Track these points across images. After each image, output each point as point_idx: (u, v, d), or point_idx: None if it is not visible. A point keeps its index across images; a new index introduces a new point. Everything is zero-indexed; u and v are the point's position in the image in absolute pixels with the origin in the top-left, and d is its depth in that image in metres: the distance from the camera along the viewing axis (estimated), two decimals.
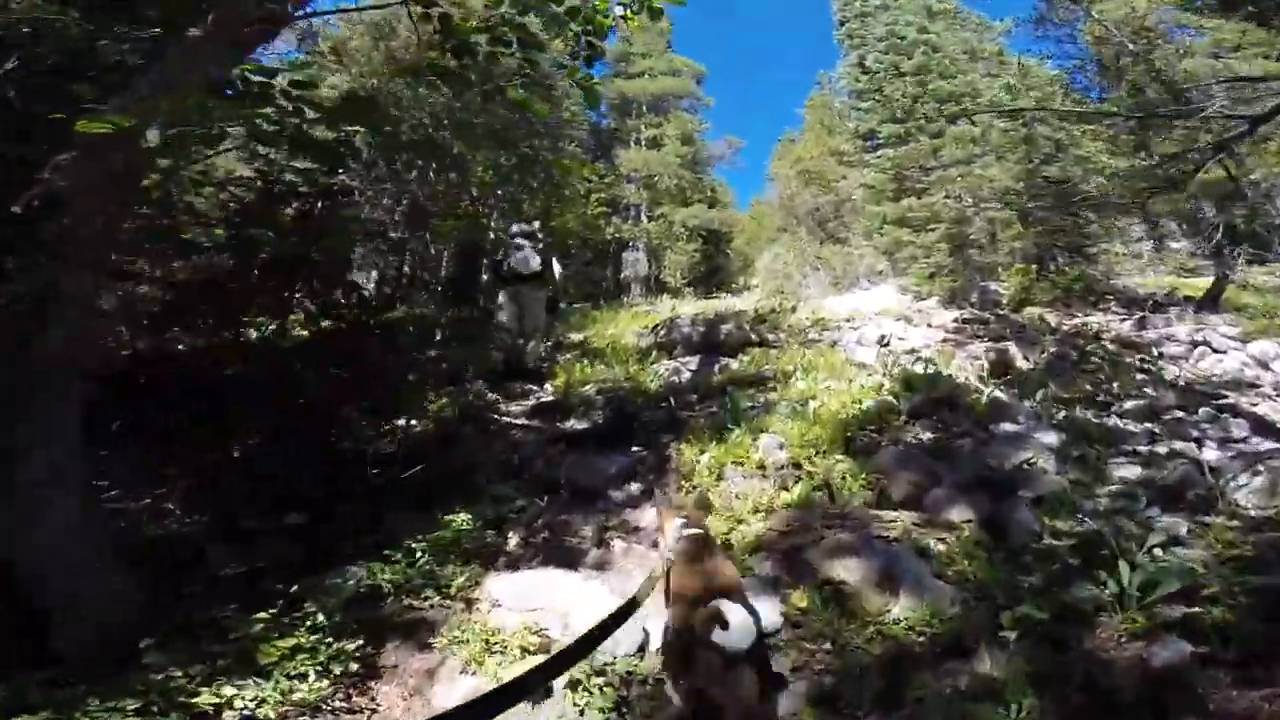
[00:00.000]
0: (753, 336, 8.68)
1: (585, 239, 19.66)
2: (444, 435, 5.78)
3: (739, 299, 15.96)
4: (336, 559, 3.72)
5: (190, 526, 4.04)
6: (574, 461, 5.28)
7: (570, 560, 3.93)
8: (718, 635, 1.86)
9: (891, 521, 3.90)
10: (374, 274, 15.25)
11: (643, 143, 20.44)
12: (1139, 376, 7.35)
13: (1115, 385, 6.84)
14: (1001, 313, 13.64)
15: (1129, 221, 19.62)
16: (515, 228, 8.54)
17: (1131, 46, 16.79)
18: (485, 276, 16.57)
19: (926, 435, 5.14)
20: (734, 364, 7.86)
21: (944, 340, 10.39)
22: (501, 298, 8.11)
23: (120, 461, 4.01)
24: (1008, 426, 5.27)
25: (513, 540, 4.17)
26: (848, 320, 11.87)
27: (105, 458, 3.79)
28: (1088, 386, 6.96)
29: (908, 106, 18.99)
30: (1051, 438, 5.03)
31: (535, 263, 7.77)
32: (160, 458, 4.29)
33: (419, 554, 3.77)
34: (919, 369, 6.93)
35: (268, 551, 3.74)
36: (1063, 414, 5.88)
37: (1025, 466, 4.57)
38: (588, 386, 7.41)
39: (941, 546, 3.68)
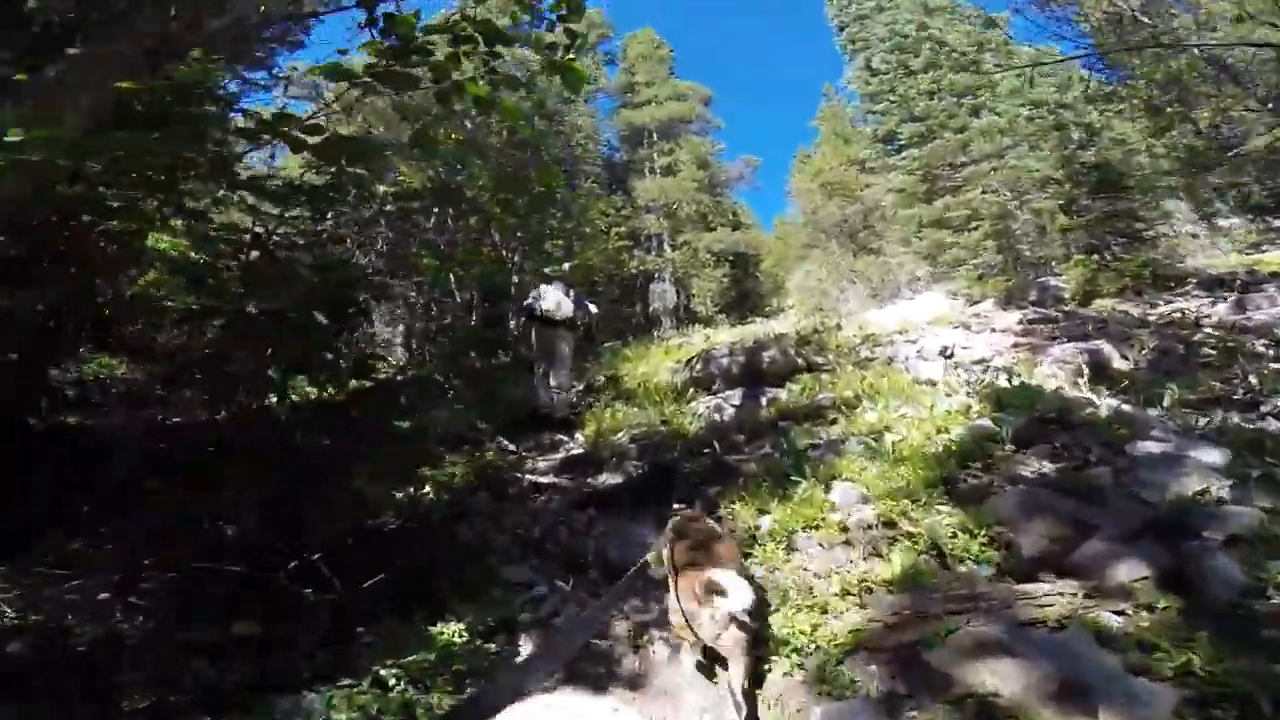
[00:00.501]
0: (799, 361, 7.65)
1: (610, 275, 19.01)
2: (455, 503, 4.89)
3: (775, 321, 14.93)
4: (286, 685, 2.79)
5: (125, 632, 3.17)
6: (605, 530, 4.33)
7: (598, 677, 2.93)
8: (718, 601, 2.10)
9: (1043, 596, 2.83)
10: (400, 328, 14.76)
11: (657, 171, 19.85)
12: (1275, 366, 6.07)
13: (1253, 379, 5.60)
14: (1068, 309, 12.34)
15: (1176, 201, 18.18)
16: (547, 270, 8.34)
17: (1146, 20, 15.58)
18: (512, 322, 15.99)
19: (1048, 467, 4.02)
20: (782, 394, 6.84)
21: (1015, 345, 9.17)
22: (533, 342, 7.67)
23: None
24: (1148, 446, 4.12)
25: (524, 649, 3.20)
26: (899, 333, 10.74)
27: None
28: (1217, 384, 5.73)
29: (924, 104, 18.03)
30: (1212, 455, 3.88)
31: (568, 307, 7.29)
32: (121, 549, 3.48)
33: (394, 681, 2.82)
34: (1002, 381, 5.82)
35: (195, 675, 2.82)
36: (1204, 421, 4.70)
37: (1197, 498, 3.44)
38: (620, 434, 6.48)
39: (1127, 626, 2.58)
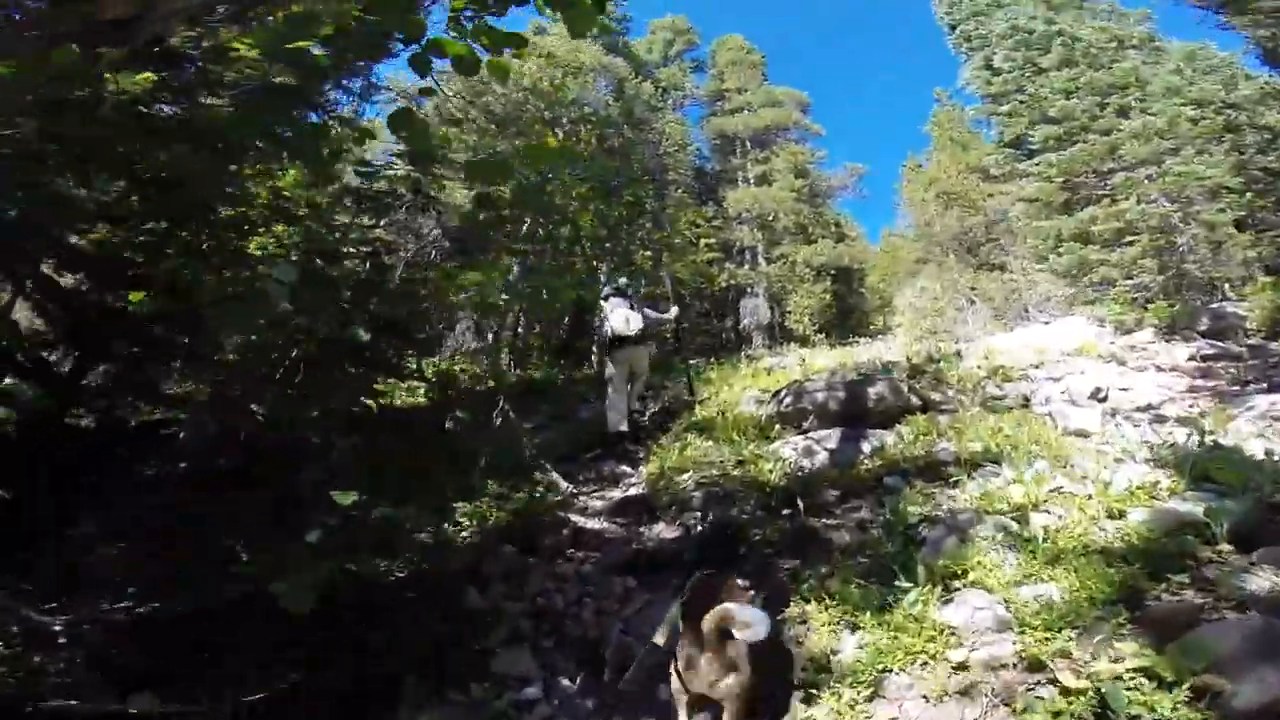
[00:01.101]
0: (912, 399, 6.37)
1: (699, 289, 18.07)
2: (480, 553, 4.16)
3: (881, 343, 13.39)
4: None
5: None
6: (641, 607, 3.41)
7: None
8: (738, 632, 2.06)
9: None
10: (490, 338, 14.58)
11: (750, 181, 18.70)
12: None
13: None
14: (1253, 342, 10.10)
15: None
16: (606, 289, 8.31)
17: None
18: (597, 335, 15.42)
19: None
20: (889, 439, 5.62)
21: (1191, 389, 7.38)
22: (608, 366, 7.38)
23: None
24: None
25: None
26: (1035, 366, 9.09)
27: None
28: None
29: (1060, 104, 15.77)
30: None
31: (636, 322, 7.16)
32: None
33: None
34: (1192, 441, 4.37)
35: None
36: None
37: None
38: (686, 475, 5.53)
39: None
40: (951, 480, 4.36)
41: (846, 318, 19.69)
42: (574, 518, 4.92)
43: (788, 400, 6.52)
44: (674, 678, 2.35)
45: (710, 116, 21.48)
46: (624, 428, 7.02)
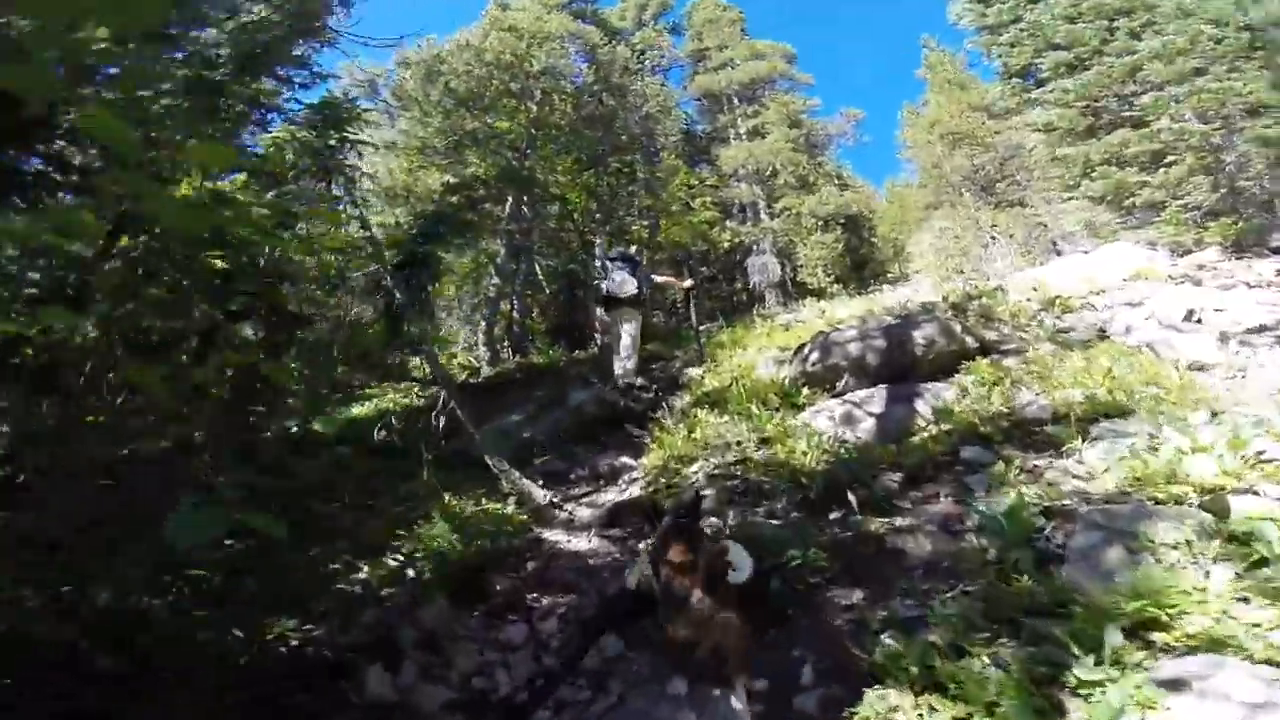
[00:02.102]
0: (967, 340, 5.06)
1: (703, 252, 16.70)
2: (400, 612, 2.93)
3: (906, 289, 11.99)
4: None
5: None
6: (621, 695, 2.18)
7: None
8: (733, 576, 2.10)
9: None
10: (483, 325, 13.39)
11: (743, 136, 17.14)
12: None
13: None
14: None
15: None
16: (614, 251, 8.17)
17: None
18: (597, 310, 14.15)
19: None
20: (948, 394, 4.34)
21: None
22: (606, 325, 7.62)
23: None
24: None
25: None
26: (1094, 294, 7.74)
27: None
28: None
29: (1065, 30, 14.00)
30: None
31: (631, 285, 6.91)
32: None
33: None
34: None
35: None
36: None
37: None
38: (695, 466, 4.29)
39: None
40: (1061, 447, 3.06)
41: (861, 269, 18.22)
42: (551, 536, 3.72)
43: (814, 356, 5.23)
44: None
45: (693, 76, 19.83)
46: (634, 380, 6.98)
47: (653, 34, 18.91)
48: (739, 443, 4.59)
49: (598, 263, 15.09)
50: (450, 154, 14.68)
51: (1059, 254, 16.39)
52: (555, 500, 4.31)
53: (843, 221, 16.15)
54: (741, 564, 2.17)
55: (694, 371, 7.78)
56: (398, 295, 10.14)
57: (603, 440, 6.28)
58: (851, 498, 3.14)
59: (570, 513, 4.24)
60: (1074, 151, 11.93)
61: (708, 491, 3.72)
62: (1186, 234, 9.75)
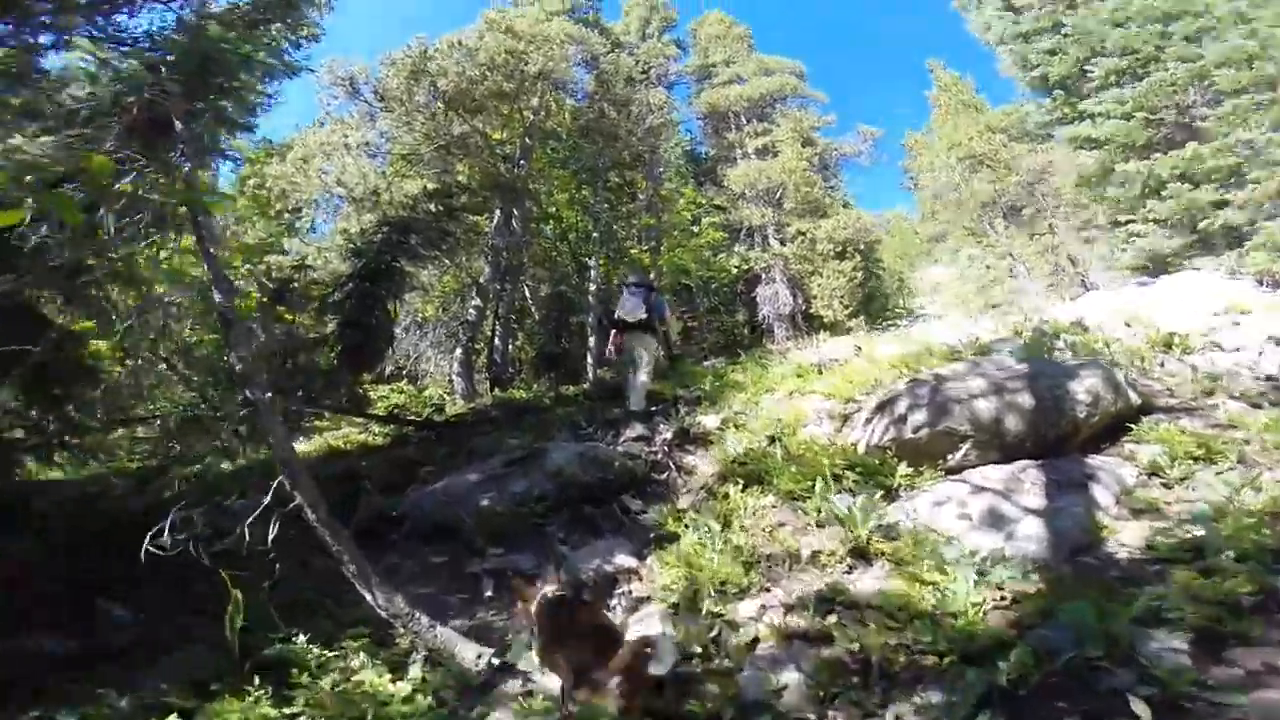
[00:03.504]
0: (1132, 396, 3.27)
1: (705, 280, 15.03)
2: None
3: (939, 325, 10.28)
4: None
5: None
6: None
7: None
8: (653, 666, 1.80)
9: None
10: (458, 351, 11.53)
11: (751, 155, 15.67)
12: None
13: None
14: None
15: None
16: (632, 277, 7.53)
17: None
18: (592, 339, 12.40)
19: None
20: (1127, 474, 2.54)
21: None
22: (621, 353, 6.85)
23: None
24: None
25: None
26: (1203, 334, 6.07)
27: None
28: None
29: (1116, 35, 12.66)
30: None
31: (639, 312, 6.46)
32: None
33: None
34: None
35: None
36: None
37: None
38: (750, 605, 2.45)
39: None
40: None
41: (869, 303, 16.55)
42: None
43: (918, 417, 3.42)
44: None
45: (698, 93, 18.45)
46: (638, 406, 6.46)
47: (658, 46, 17.54)
48: (816, 555, 2.75)
49: (592, 287, 13.46)
50: (435, 160, 13.06)
51: (1088, 287, 14.88)
52: (497, 660, 2.43)
53: (861, 249, 14.60)
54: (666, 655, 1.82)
55: (708, 421, 5.95)
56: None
57: (591, 517, 4.45)
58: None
59: (528, 684, 2.36)
60: (1134, 167, 10.36)
61: (787, 675, 1.88)
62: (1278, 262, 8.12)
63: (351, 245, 9.37)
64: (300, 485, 2.61)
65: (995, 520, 2.70)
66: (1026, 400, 3.17)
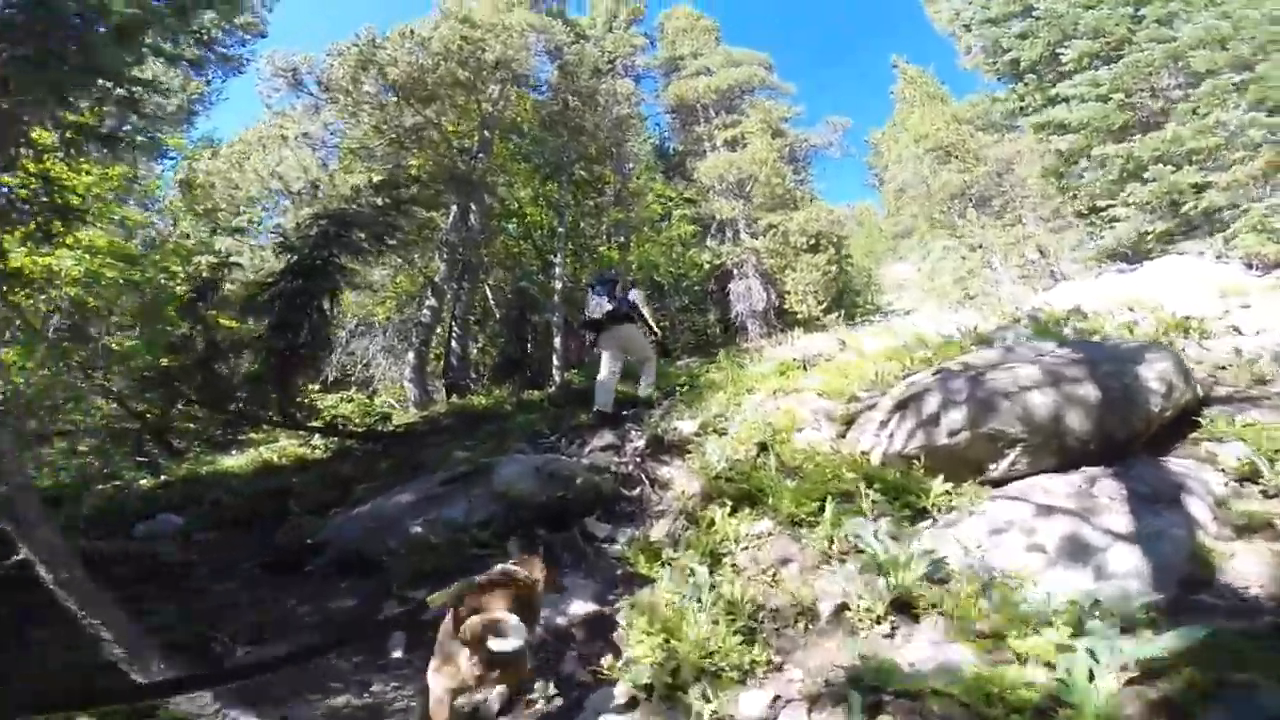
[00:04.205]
0: (1184, 389, 2.58)
1: (676, 277, 14.29)
2: None
3: (919, 318, 9.74)
4: None
5: None
6: None
7: None
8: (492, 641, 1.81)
9: None
10: (410, 356, 10.51)
11: (719, 148, 15.03)
12: None
13: None
14: None
15: None
16: (593, 278, 7.16)
17: None
18: (557, 339, 11.50)
19: None
20: (1214, 481, 1.85)
21: None
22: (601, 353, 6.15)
23: None
24: None
25: None
26: (1219, 317, 5.57)
27: None
28: None
29: (1091, 16, 12.35)
30: None
31: (604, 306, 5.92)
32: None
33: None
34: None
35: None
36: None
37: None
38: (756, 699, 1.65)
39: None
40: None
41: (839, 299, 16.03)
42: None
43: (954, 416, 2.68)
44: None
45: (666, 87, 17.75)
46: (606, 409, 5.96)
47: (625, 37, 16.78)
48: (841, 611, 1.99)
49: (558, 285, 12.56)
50: (387, 156, 12.03)
51: (1056, 278, 14.60)
52: None
53: (834, 242, 14.05)
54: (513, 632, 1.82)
55: (684, 426, 5.18)
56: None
57: (547, 546, 3.63)
58: None
59: None
60: (1112, 150, 9.95)
61: None
62: (1270, 243, 7.73)
63: (283, 240, 8.34)
64: (32, 537, 1.69)
65: (1077, 551, 1.98)
66: (1090, 392, 2.47)
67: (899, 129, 20.60)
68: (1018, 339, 5.36)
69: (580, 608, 2.76)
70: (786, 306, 12.73)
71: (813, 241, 13.23)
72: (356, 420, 8.51)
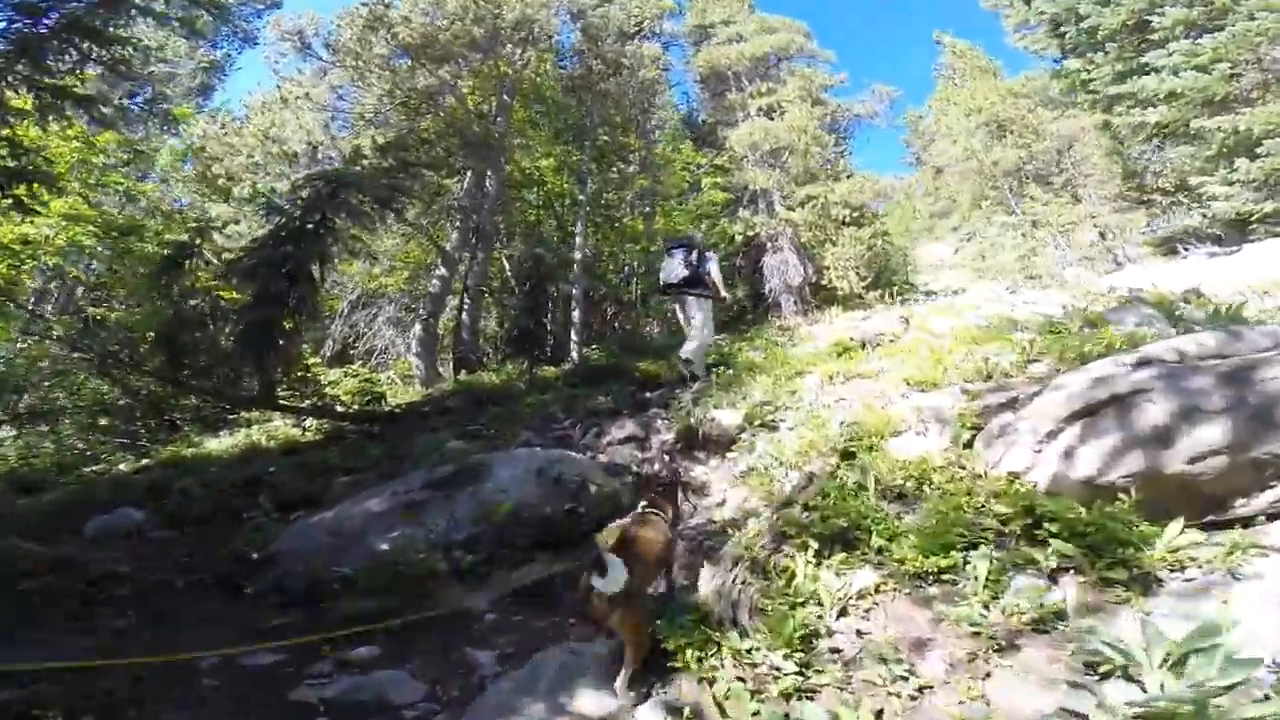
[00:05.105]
0: None
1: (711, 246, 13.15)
2: None
3: (976, 297, 8.61)
4: None
5: None
6: None
7: None
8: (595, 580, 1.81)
9: None
10: (417, 328, 9.63)
11: (754, 116, 13.80)
12: None
13: None
14: None
15: None
16: (672, 240, 6.64)
17: None
18: (575, 311, 10.52)
19: None
20: None
21: None
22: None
23: None
24: None
25: None
26: None
27: None
28: None
29: None
30: None
31: (678, 272, 5.79)
32: None
33: None
34: None
35: None
36: None
37: None
38: None
39: None
40: None
41: (878, 276, 14.77)
42: None
43: (1205, 432, 1.64)
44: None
45: (696, 53, 16.43)
46: (698, 370, 5.70)
47: (652, 0, 15.49)
48: None
49: (578, 255, 11.56)
50: (400, 121, 11.06)
51: (1119, 261, 13.23)
52: None
53: (877, 216, 12.83)
54: (611, 572, 1.79)
55: (724, 417, 4.18)
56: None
57: (544, 587, 2.68)
58: None
59: None
60: (1215, 124, 8.58)
61: None
62: None
63: (268, 202, 7.41)
64: None
65: None
66: None
67: (946, 105, 19.03)
68: (1146, 321, 4.28)
69: (588, 707, 1.78)
70: (825, 282, 11.61)
71: (856, 214, 12.04)
72: (350, 399, 7.67)
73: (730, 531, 2.65)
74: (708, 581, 1.99)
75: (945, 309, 6.83)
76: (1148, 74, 10.12)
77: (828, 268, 11.61)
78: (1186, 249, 9.50)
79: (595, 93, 12.36)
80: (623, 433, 4.42)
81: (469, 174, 11.40)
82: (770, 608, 1.75)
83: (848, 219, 11.92)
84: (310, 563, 2.98)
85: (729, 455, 3.84)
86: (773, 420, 3.96)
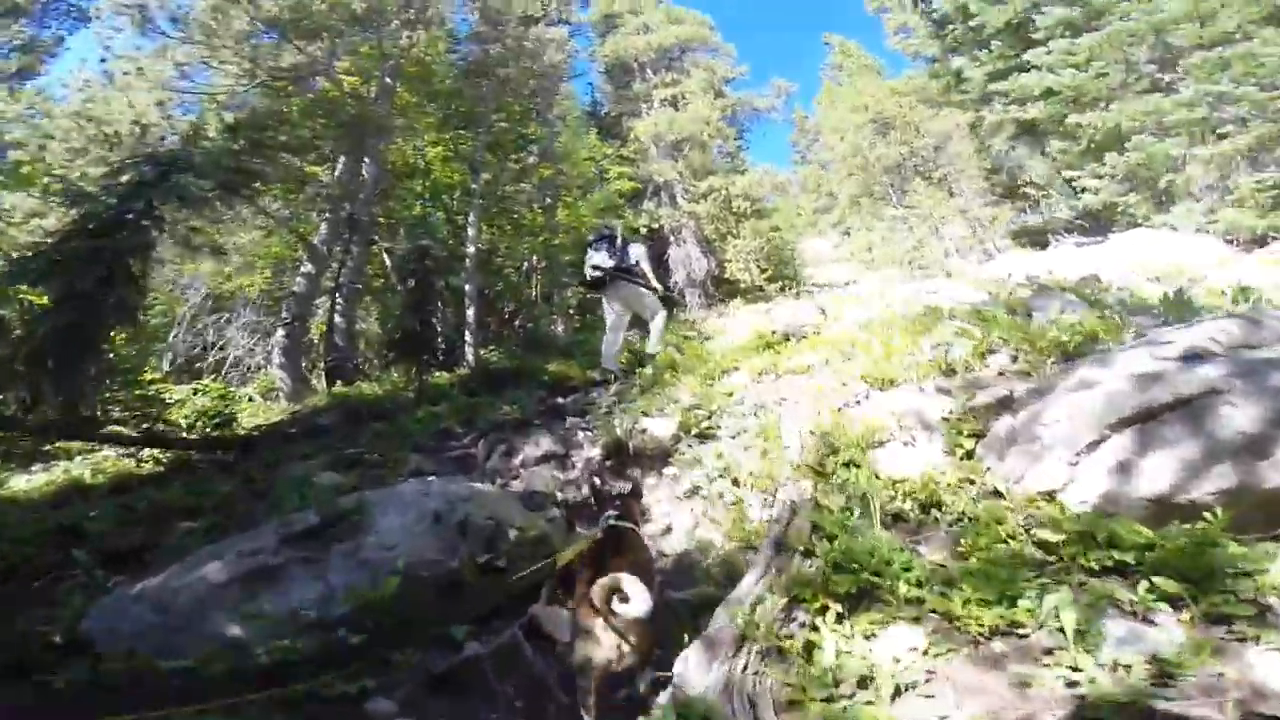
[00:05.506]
0: None
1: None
2: None
3: (866, 287, 8.75)
4: None
5: None
6: None
7: None
8: (616, 605, 1.69)
9: None
10: (279, 335, 8.26)
11: (657, 106, 13.53)
12: None
13: None
14: None
15: None
16: (592, 235, 6.37)
17: None
18: (471, 312, 9.56)
19: None
20: None
21: None
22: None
23: None
24: None
25: None
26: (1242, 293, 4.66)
27: None
28: None
29: None
30: None
31: (602, 262, 5.64)
32: None
33: None
34: None
35: None
36: None
37: None
38: None
39: None
40: None
41: (775, 270, 15.03)
42: None
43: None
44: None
45: (601, 43, 15.88)
46: (611, 368, 5.67)
47: None
48: None
49: (470, 249, 10.59)
50: (261, 103, 9.48)
51: (989, 254, 14.33)
52: None
53: (775, 208, 12.96)
54: (638, 599, 1.67)
55: (655, 425, 3.66)
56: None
57: (451, 681, 1.99)
58: None
59: None
60: (1087, 119, 9.26)
61: None
62: (1258, 218, 7.17)
63: (67, 189, 5.88)
64: None
65: None
66: None
67: (832, 102, 19.83)
68: (1068, 307, 4.30)
69: None
70: (727, 275, 11.51)
71: (756, 207, 12.05)
72: (197, 421, 6.35)
73: (687, 566, 2.13)
74: (703, 670, 1.42)
75: (853, 299, 6.76)
76: (1026, 71, 10.84)
77: (729, 260, 11.52)
78: (1057, 239, 10.31)
79: (494, 78, 11.43)
80: (538, 450, 3.76)
81: (341, 160, 10.07)
82: (803, 700, 1.23)
83: (749, 211, 11.90)
84: (136, 644, 2.10)
85: (665, 471, 3.32)
86: (709, 428, 3.49)
